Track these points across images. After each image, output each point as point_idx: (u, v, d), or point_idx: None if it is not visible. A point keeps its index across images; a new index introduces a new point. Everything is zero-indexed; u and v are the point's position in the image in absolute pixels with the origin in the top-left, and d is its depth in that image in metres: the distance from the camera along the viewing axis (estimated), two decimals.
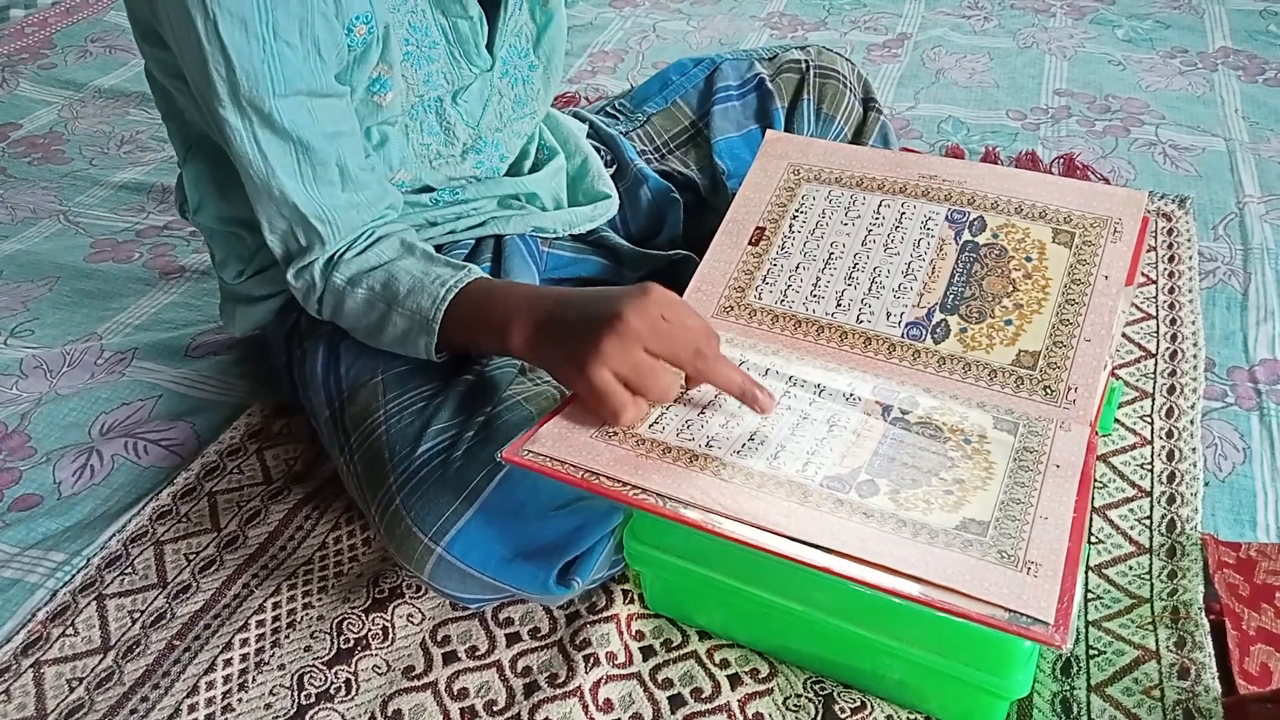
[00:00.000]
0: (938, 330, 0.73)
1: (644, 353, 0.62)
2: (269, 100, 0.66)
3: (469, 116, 0.81)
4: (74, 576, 0.79)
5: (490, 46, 0.80)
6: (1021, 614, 0.51)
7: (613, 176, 0.95)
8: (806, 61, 1.02)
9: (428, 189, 0.83)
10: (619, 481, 0.60)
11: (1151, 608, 0.74)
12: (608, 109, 1.06)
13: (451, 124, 0.80)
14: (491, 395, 0.73)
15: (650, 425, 0.65)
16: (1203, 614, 0.72)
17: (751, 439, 0.64)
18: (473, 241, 0.85)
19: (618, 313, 0.62)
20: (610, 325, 0.62)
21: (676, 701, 0.70)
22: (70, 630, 0.76)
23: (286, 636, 0.75)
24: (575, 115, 0.98)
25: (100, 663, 0.73)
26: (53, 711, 0.70)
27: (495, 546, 0.67)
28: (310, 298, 0.76)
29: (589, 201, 0.91)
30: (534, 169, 0.89)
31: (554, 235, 0.89)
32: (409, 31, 0.74)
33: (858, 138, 1.04)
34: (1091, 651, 0.71)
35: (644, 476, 0.60)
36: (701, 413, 0.67)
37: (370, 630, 0.75)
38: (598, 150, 0.96)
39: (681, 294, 0.78)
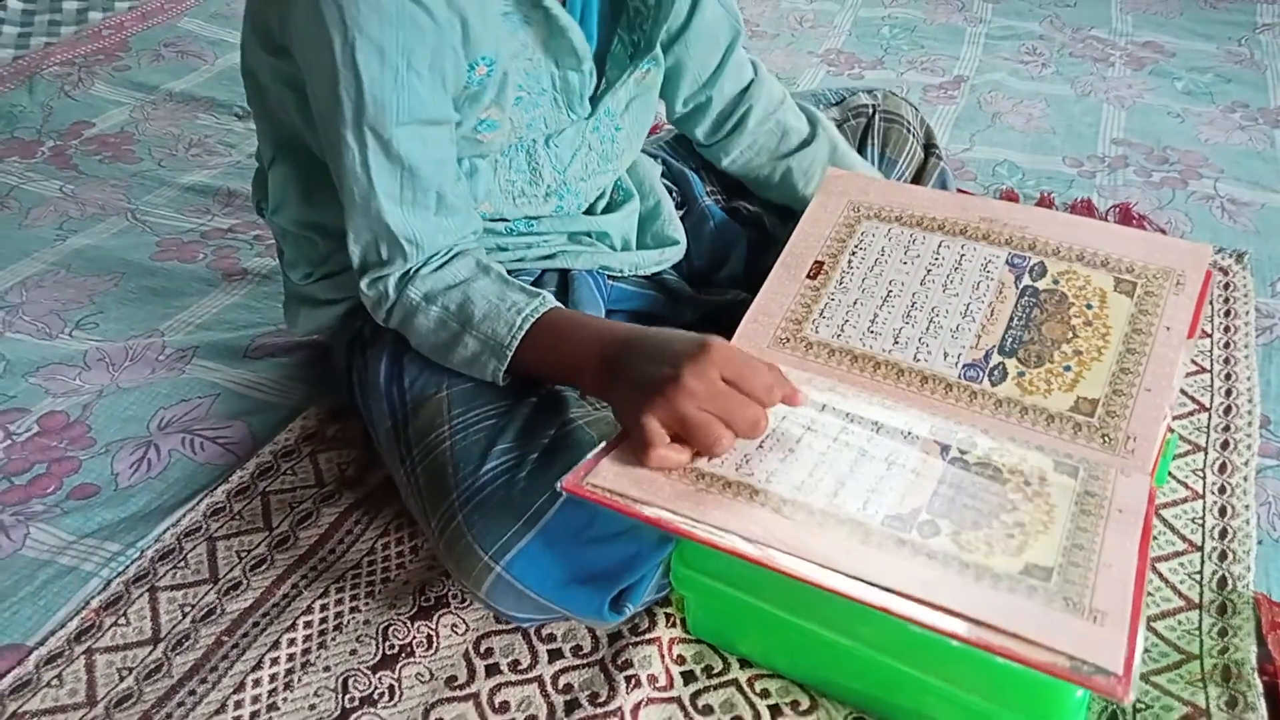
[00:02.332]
0: (995, 373, 0.73)
1: (695, 410, 0.63)
2: (390, 128, 0.68)
3: (558, 162, 0.83)
4: (128, 567, 0.81)
5: (595, 99, 0.82)
6: (1086, 663, 0.51)
7: (681, 213, 0.97)
8: (874, 106, 1.03)
9: (503, 219, 0.85)
10: (679, 515, 0.61)
11: (1201, 664, 0.73)
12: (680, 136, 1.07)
13: (540, 166, 0.82)
14: (555, 418, 0.74)
15: (709, 460, 0.66)
16: (1255, 674, 0.71)
17: (810, 475, 0.64)
18: (539, 270, 0.86)
19: (676, 374, 0.63)
20: (668, 382, 0.63)
21: None
22: (122, 620, 0.77)
23: (333, 639, 0.76)
24: (649, 154, 1.00)
25: (150, 654, 0.75)
26: (102, 699, 0.72)
27: (554, 569, 0.68)
28: (380, 308, 0.78)
29: (657, 245, 0.92)
30: (608, 209, 0.91)
31: (619, 274, 0.90)
32: (523, 78, 0.76)
33: (917, 181, 1.05)
34: (1139, 705, 0.70)
35: (704, 511, 0.61)
36: (760, 447, 0.67)
37: (415, 638, 0.76)
38: (669, 190, 0.97)
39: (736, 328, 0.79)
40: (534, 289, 0.75)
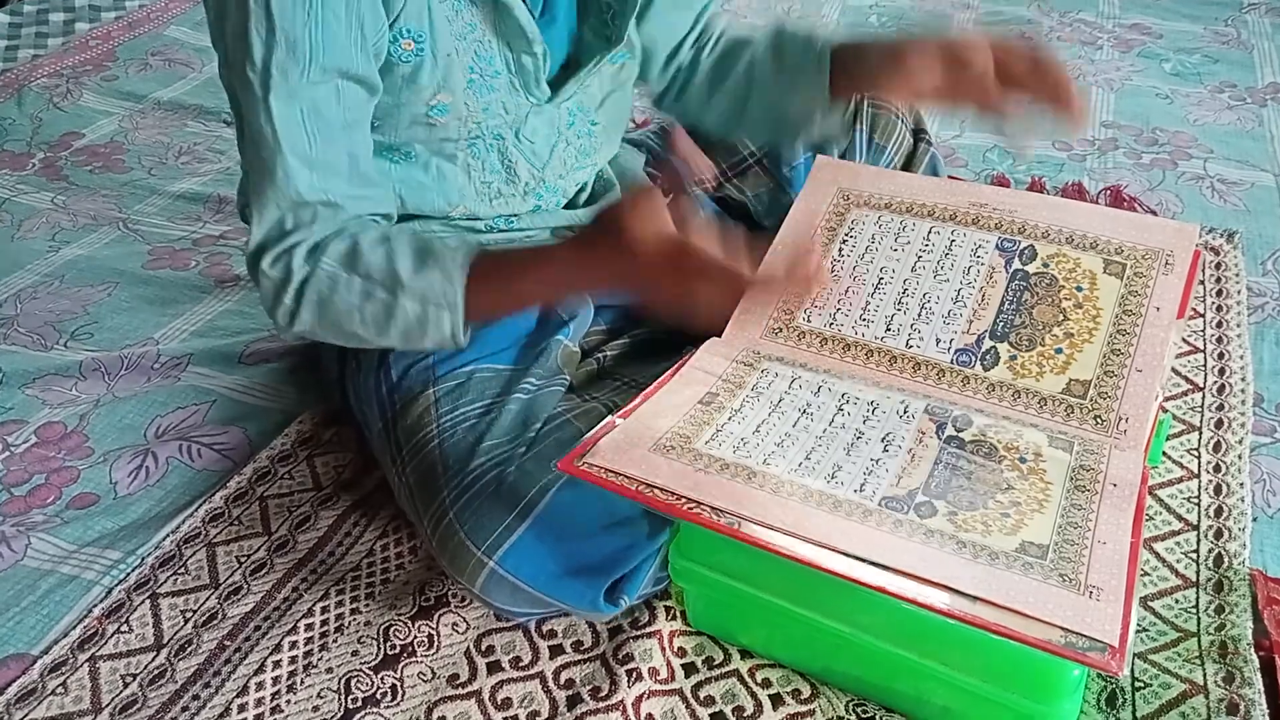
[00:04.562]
0: (987, 357, 0.73)
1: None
2: (302, 66, 0.65)
3: (534, 158, 0.82)
4: (129, 575, 0.81)
5: (555, 84, 0.80)
6: (1083, 636, 0.51)
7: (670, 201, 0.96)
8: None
9: (477, 218, 0.84)
10: (676, 495, 0.61)
11: (1198, 642, 0.73)
12: (665, 126, 1.07)
13: (514, 164, 0.81)
14: (542, 412, 0.74)
15: (706, 441, 0.66)
16: (1251, 650, 0.71)
17: (808, 458, 0.65)
18: None
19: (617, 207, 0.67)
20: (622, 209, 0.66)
21: (718, 719, 0.70)
22: (125, 627, 0.77)
23: (334, 640, 0.76)
24: (634, 144, 0.99)
25: (153, 660, 0.75)
26: (107, 706, 0.72)
27: (547, 562, 0.68)
28: (284, 292, 0.70)
29: None
30: (590, 201, 0.90)
31: None
32: (474, 60, 0.75)
33: (907, 167, 1.04)
34: (1137, 684, 0.71)
35: (702, 491, 0.61)
36: (756, 431, 0.67)
37: (416, 637, 0.76)
38: (653, 179, 0.97)
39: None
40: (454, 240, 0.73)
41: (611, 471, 0.63)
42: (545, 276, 0.70)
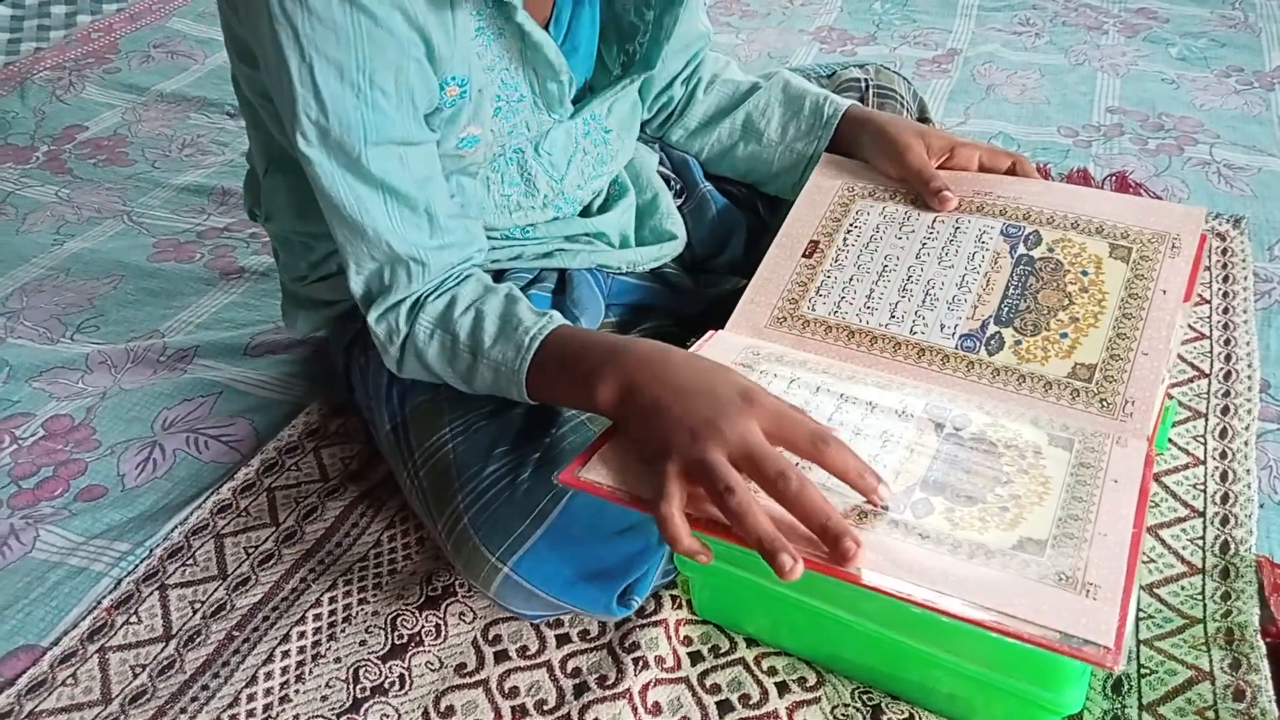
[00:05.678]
0: (992, 342, 0.73)
1: (726, 468, 0.58)
2: (359, 148, 0.65)
3: (553, 170, 0.81)
4: (137, 566, 0.82)
5: (576, 100, 0.80)
6: (1078, 637, 0.51)
7: (681, 200, 0.96)
8: (866, 80, 1.02)
9: (495, 229, 0.83)
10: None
11: (1204, 628, 0.73)
12: None
13: (533, 177, 0.80)
14: (555, 415, 0.74)
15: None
16: (1258, 636, 0.71)
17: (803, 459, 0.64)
18: (536, 269, 0.85)
19: (712, 421, 0.59)
20: (706, 428, 0.59)
21: (724, 707, 0.70)
22: (134, 618, 0.78)
23: (342, 630, 0.76)
24: (645, 143, 0.99)
25: (162, 651, 0.76)
26: (117, 697, 0.72)
27: (561, 568, 0.68)
28: (391, 344, 0.74)
29: (655, 240, 0.91)
30: (604, 207, 0.89)
31: (618, 271, 0.90)
32: (500, 89, 0.74)
33: None
34: (1143, 670, 0.71)
35: (695, 504, 0.60)
36: None
37: (423, 627, 0.76)
38: (668, 180, 0.96)
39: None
40: (542, 311, 0.72)
41: (605, 485, 0.62)
42: (594, 399, 0.66)
